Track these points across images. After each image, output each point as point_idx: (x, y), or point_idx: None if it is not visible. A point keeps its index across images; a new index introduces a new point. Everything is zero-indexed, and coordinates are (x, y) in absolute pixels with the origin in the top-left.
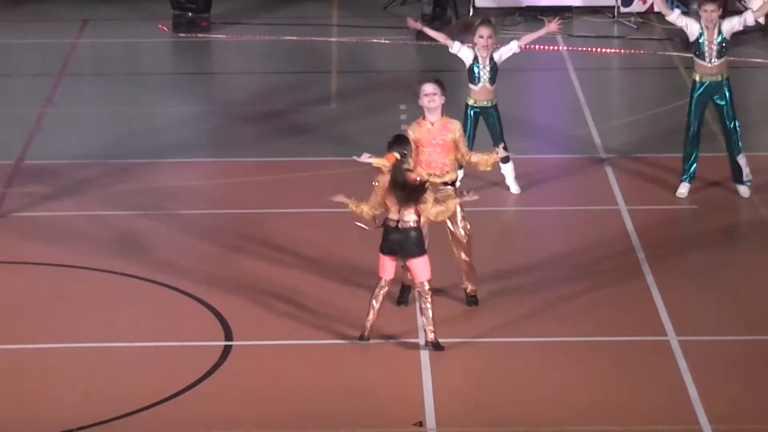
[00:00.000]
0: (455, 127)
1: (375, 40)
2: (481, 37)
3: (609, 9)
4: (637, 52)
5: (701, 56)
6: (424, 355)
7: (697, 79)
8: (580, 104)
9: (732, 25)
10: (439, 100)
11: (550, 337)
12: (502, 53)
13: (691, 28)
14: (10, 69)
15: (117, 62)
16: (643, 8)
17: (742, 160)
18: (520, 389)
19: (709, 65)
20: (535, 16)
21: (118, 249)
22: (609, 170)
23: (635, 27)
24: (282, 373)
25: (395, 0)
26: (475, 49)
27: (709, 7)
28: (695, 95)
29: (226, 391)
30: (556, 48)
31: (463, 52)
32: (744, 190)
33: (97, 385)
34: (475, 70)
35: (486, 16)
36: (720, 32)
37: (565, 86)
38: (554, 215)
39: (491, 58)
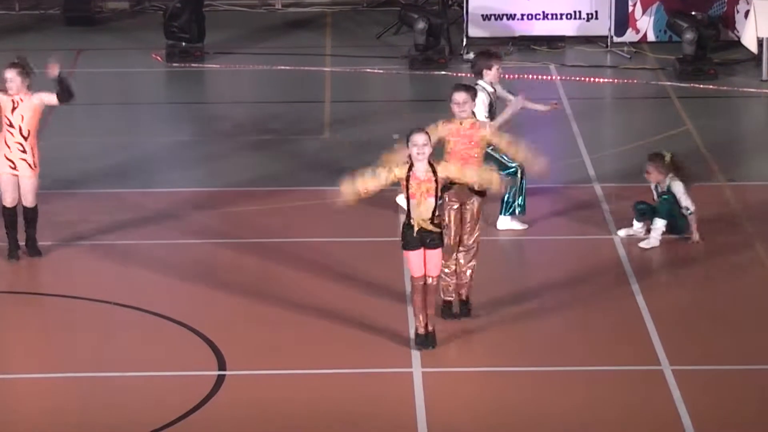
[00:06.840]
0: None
1: (368, 70)
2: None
3: (602, 39)
4: (630, 81)
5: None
6: (418, 385)
7: None
8: (573, 133)
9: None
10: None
11: (544, 366)
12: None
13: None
14: None
15: (111, 92)
16: (636, 38)
17: None
18: (514, 419)
19: None
20: (528, 45)
21: (109, 278)
22: (602, 199)
23: (628, 57)
24: (275, 403)
25: (388, 29)
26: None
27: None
28: None
29: (219, 422)
30: (549, 78)
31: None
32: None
33: (89, 415)
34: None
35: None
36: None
37: (558, 116)
38: (548, 244)
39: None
